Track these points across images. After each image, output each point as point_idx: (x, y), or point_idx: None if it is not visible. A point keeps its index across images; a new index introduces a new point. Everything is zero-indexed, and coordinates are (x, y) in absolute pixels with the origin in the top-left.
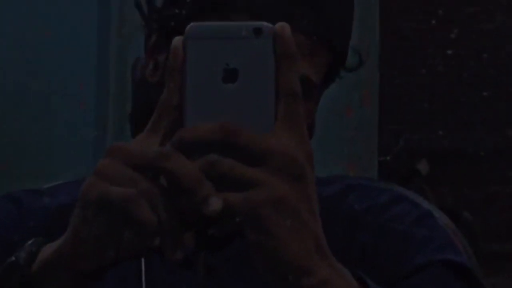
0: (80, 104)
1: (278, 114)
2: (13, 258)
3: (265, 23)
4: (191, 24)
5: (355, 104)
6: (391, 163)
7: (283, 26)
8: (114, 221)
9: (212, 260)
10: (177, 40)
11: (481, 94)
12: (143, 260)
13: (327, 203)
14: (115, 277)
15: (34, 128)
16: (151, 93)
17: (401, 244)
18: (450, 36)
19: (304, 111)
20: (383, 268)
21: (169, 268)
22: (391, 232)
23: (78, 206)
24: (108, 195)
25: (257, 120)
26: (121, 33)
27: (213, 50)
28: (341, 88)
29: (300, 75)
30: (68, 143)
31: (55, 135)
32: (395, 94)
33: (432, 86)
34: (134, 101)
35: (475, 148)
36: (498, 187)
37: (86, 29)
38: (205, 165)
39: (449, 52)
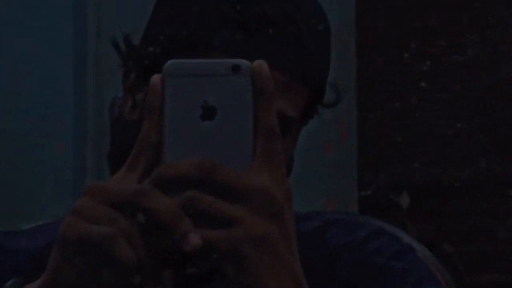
0: (58, 145)
1: (257, 151)
2: None
3: (243, 61)
4: (170, 61)
5: (334, 140)
6: (372, 197)
7: (261, 64)
8: (94, 260)
9: None
10: (155, 77)
11: (455, 125)
12: None
13: (306, 239)
14: None
15: (13, 169)
16: (129, 131)
17: (381, 277)
18: (423, 68)
19: (282, 148)
20: None
21: None
22: (371, 266)
23: (57, 246)
24: (87, 235)
25: (235, 157)
26: (98, 72)
27: (191, 87)
28: (319, 124)
29: (277, 111)
30: (46, 183)
31: (33, 176)
32: (371, 129)
33: (406, 119)
34: (112, 140)
35: (450, 180)
36: (475, 219)
37: (63, 68)
38: (184, 201)
39: (422, 84)
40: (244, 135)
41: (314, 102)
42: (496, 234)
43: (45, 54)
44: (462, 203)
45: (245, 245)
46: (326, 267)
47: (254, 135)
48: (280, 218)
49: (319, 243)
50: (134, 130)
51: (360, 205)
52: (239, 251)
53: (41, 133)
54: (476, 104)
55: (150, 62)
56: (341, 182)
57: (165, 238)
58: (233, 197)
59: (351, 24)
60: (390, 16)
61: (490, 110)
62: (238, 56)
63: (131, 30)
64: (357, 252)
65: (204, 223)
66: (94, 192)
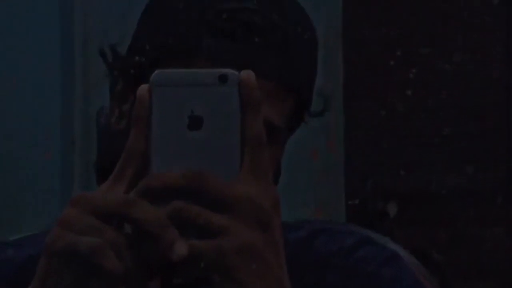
0: (45, 154)
1: (244, 161)
2: None
3: (230, 70)
4: (157, 71)
5: (321, 149)
6: (359, 206)
7: (248, 74)
8: (80, 271)
9: None
10: (142, 88)
11: (442, 133)
12: None
13: (294, 248)
14: None
15: (0, 178)
16: (117, 141)
17: (369, 285)
18: (408, 76)
19: (269, 157)
20: None
21: None
22: (359, 274)
23: (44, 257)
24: (74, 246)
25: (222, 167)
26: (85, 82)
27: (178, 97)
28: (306, 133)
29: (264, 120)
30: (33, 194)
31: (20, 186)
32: (358, 137)
33: (392, 127)
34: (99, 150)
35: (436, 187)
36: (462, 227)
37: (50, 77)
38: (171, 211)
39: (409, 92)
40: (231, 145)
41: (301, 110)
42: (483, 242)
43: (32, 63)
44: (449, 211)
45: (232, 255)
46: (314, 275)
47: (241, 145)
48: (268, 227)
49: (307, 252)
50: (121, 140)
51: (348, 213)
52: (226, 260)
53: (28, 142)
54: (463, 111)
55: (137, 71)
56: (328, 191)
57: (152, 248)
58: (220, 206)
59: (338, 33)
60: (376, 24)
61: (476, 117)
62: (225, 65)
63: (118, 39)
64: (344, 260)
65: (191, 233)
66: (80, 203)
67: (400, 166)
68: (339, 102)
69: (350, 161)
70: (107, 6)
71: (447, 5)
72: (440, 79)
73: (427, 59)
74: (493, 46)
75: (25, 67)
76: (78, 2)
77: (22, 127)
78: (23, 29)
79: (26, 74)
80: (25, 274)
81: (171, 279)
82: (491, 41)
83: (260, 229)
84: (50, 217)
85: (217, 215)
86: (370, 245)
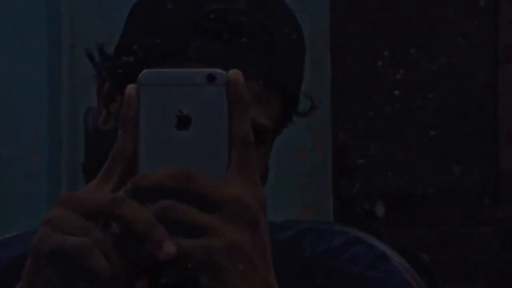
0: (32, 156)
1: (231, 161)
2: None
3: (218, 70)
4: (144, 70)
5: (308, 149)
6: (347, 206)
7: (236, 73)
8: (68, 271)
9: None
10: (130, 87)
11: (429, 134)
12: None
13: (282, 249)
14: None
15: None
16: (104, 141)
17: (356, 286)
18: (396, 77)
19: (256, 157)
20: None
21: None
22: (346, 275)
23: (31, 257)
24: (61, 246)
25: (210, 167)
26: (72, 83)
27: (166, 97)
28: (294, 133)
29: (252, 120)
30: (21, 194)
31: (7, 186)
32: (345, 137)
33: (380, 128)
34: (86, 150)
35: (424, 188)
36: (449, 227)
37: (38, 78)
38: (159, 210)
39: (396, 93)
40: (219, 145)
41: (288, 110)
42: (470, 242)
43: (19, 64)
44: (436, 211)
45: (220, 254)
46: (301, 276)
47: (229, 145)
48: (255, 227)
49: (294, 252)
50: (109, 140)
51: (335, 213)
52: (214, 260)
53: (15, 144)
54: (450, 112)
55: (124, 71)
56: (315, 191)
57: (139, 248)
58: (208, 206)
59: (326, 34)
60: (363, 25)
61: (463, 118)
62: (212, 65)
63: (106, 40)
64: (332, 260)
65: (179, 233)
66: (67, 202)
67: (388, 166)
68: (327, 102)
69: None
70: (94, 7)
71: (435, 7)
72: (427, 80)
73: (415, 60)
74: (480, 48)
75: (12, 69)
76: (65, 3)
77: (9, 129)
78: (10, 30)
79: (13, 76)
80: (14, 274)
81: (159, 279)
82: (478, 43)
83: (248, 229)
84: (38, 218)
85: (205, 215)
86: (358, 245)
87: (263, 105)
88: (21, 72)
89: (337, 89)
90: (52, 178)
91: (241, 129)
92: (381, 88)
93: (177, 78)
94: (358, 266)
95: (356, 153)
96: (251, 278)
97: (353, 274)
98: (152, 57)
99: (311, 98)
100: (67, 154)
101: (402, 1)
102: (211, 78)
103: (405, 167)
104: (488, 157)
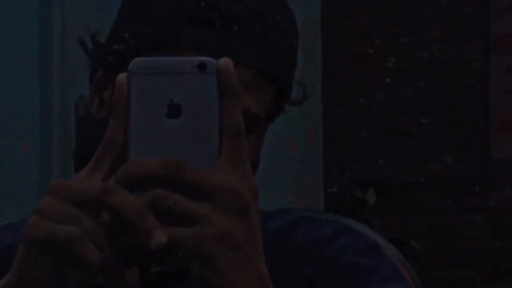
0: (23, 144)
1: (222, 149)
2: None
3: (209, 59)
4: (135, 59)
5: (299, 138)
6: (338, 194)
7: (226, 62)
8: (58, 260)
9: None
10: (121, 76)
11: (420, 122)
12: None
13: (273, 237)
14: None
15: None
16: (96, 130)
17: (348, 274)
18: (387, 65)
19: (248, 145)
20: None
21: None
22: (338, 263)
23: (21, 246)
24: (52, 235)
25: (201, 155)
26: (63, 71)
27: (157, 85)
28: (285, 122)
29: (243, 109)
30: (12, 183)
31: None
32: (336, 126)
33: (371, 116)
34: (78, 139)
35: (415, 176)
36: (439, 215)
37: (28, 67)
38: (150, 199)
39: (387, 81)
40: (210, 133)
41: (280, 99)
42: (461, 231)
43: (10, 54)
44: (427, 200)
45: (211, 243)
46: (293, 264)
47: (219, 133)
48: (246, 216)
49: (286, 241)
50: (100, 129)
51: (327, 202)
52: (205, 248)
53: (6, 132)
54: (441, 100)
55: (116, 59)
56: (307, 180)
57: (130, 237)
58: (199, 195)
59: (317, 22)
60: (355, 13)
61: (455, 106)
62: (204, 54)
63: (97, 29)
64: (323, 249)
65: (170, 222)
66: (58, 191)
67: (379, 154)
68: (318, 91)
69: (328, 150)
70: None
71: None
72: (418, 68)
73: (406, 48)
74: (471, 36)
75: (3, 58)
76: None
77: (0, 117)
78: (2, 19)
79: (4, 65)
80: (5, 262)
81: (150, 268)
82: (469, 31)
83: (239, 218)
84: (29, 206)
85: (196, 204)
86: (349, 234)
87: (255, 94)
88: (12, 61)
89: (329, 78)
90: (43, 166)
91: (232, 118)
92: (372, 76)
93: (168, 67)
94: (349, 254)
95: (347, 141)
96: (242, 266)
97: (344, 262)
98: (144, 45)
99: (303, 86)
100: (58, 143)
101: None
102: (201, 66)
103: (396, 155)
104: (479, 146)
